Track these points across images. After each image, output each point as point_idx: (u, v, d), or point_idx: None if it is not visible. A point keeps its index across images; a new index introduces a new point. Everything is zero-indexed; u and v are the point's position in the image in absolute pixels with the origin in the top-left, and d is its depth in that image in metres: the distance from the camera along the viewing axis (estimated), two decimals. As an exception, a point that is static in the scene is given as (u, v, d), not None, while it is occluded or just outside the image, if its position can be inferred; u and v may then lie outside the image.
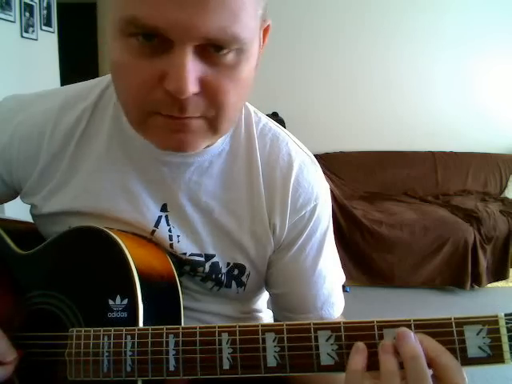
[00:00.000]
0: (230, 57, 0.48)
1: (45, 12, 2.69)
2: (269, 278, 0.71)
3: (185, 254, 0.65)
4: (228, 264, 0.67)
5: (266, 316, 0.83)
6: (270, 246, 0.67)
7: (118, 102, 0.57)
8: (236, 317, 0.74)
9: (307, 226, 0.67)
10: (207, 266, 0.66)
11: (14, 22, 2.35)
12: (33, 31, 2.54)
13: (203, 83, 0.48)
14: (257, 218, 0.65)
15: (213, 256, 0.66)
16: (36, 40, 2.59)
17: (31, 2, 2.51)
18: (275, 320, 0.77)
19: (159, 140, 0.54)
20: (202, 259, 0.66)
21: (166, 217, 0.65)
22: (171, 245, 0.65)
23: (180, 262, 0.66)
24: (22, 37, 2.45)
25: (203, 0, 0.43)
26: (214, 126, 0.53)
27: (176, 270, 0.66)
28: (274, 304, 0.74)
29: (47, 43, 2.77)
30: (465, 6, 3.41)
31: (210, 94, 0.49)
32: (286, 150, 0.67)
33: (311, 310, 0.69)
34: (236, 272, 0.68)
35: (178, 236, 0.65)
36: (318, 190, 0.67)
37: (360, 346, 0.46)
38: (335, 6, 3.43)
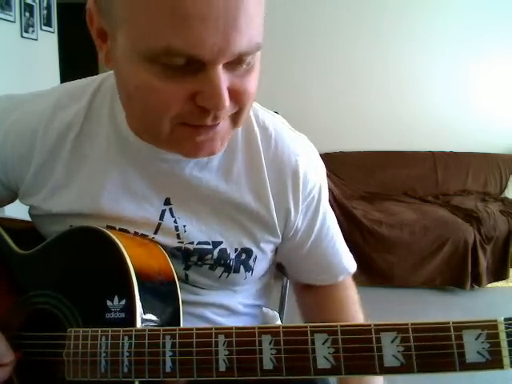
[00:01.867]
0: (249, 62, 0.50)
1: (45, 12, 2.69)
2: (300, 259, 0.76)
3: (192, 242, 0.66)
4: (236, 250, 0.68)
5: (270, 314, 0.86)
6: (276, 229, 0.69)
7: (131, 118, 0.59)
8: (239, 311, 0.76)
9: (319, 204, 0.72)
10: (215, 252, 0.67)
11: (14, 22, 2.35)
12: (33, 31, 2.54)
13: (230, 90, 0.49)
14: (261, 205, 0.67)
15: (220, 243, 0.67)
16: (36, 40, 2.59)
17: (31, 2, 2.51)
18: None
19: (190, 150, 0.55)
20: (210, 247, 0.67)
21: (170, 209, 0.66)
22: (178, 235, 0.66)
23: (187, 253, 0.67)
24: (22, 37, 2.45)
25: (234, 21, 0.44)
26: (235, 121, 0.56)
27: (182, 264, 0.67)
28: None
29: (47, 43, 2.77)
30: (464, 5, 3.41)
31: (236, 97, 0.51)
32: (290, 139, 0.69)
33: (340, 272, 0.80)
34: (244, 256, 0.69)
35: (185, 226, 0.66)
36: (320, 170, 0.72)
37: None
38: (335, 5, 3.42)
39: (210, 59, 0.45)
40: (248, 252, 0.69)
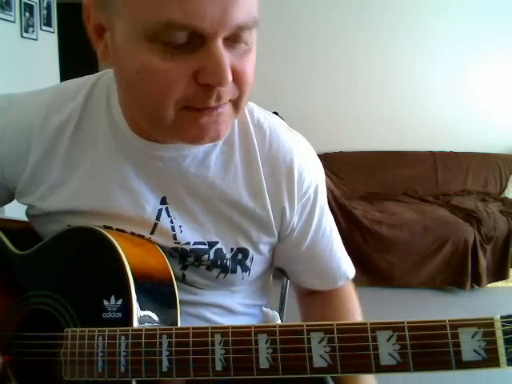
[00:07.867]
0: (246, 40, 0.50)
1: (45, 12, 2.69)
2: (297, 261, 0.76)
3: (189, 243, 0.66)
4: (232, 249, 0.68)
5: (270, 314, 0.85)
6: (272, 228, 0.69)
7: (132, 108, 0.58)
8: (237, 311, 0.75)
9: (315, 204, 0.71)
10: (211, 252, 0.67)
11: (13, 22, 2.35)
12: (33, 31, 2.55)
13: (231, 70, 0.50)
14: (257, 203, 0.67)
15: (216, 243, 0.67)
16: (36, 40, 2.59)
17: (31, 2, 2.51)
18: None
19: (194, 134, 0.55)
20: (206, 247, 0.67)
21: (167, 209, 0.66)
22: (175, 235, 0.66)
23: (183, 254, 0.67)
24: (22, 37, 2.45)
25: None
26: (237, 106, 0.56)
27: (179, 264, 0.67)
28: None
29: (47, 43, 2.78)
30: (464, 5, 3.41)
31: (237, 77, 0.52)
32: (285, 138, 0.69)
33: (339, 278, 0.78)
34: (240, 256, 0.69)
35: (180, 226, 0.66)
36: (317, 170, 0.72)
37: None
38: (335, 5, 3.42)
39: (211, 32, 0.46)
40: (244, 252, 0.69)
